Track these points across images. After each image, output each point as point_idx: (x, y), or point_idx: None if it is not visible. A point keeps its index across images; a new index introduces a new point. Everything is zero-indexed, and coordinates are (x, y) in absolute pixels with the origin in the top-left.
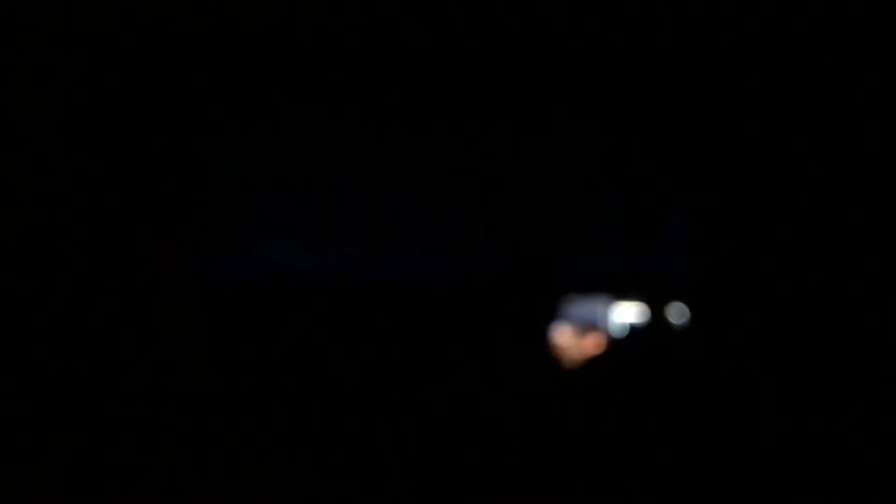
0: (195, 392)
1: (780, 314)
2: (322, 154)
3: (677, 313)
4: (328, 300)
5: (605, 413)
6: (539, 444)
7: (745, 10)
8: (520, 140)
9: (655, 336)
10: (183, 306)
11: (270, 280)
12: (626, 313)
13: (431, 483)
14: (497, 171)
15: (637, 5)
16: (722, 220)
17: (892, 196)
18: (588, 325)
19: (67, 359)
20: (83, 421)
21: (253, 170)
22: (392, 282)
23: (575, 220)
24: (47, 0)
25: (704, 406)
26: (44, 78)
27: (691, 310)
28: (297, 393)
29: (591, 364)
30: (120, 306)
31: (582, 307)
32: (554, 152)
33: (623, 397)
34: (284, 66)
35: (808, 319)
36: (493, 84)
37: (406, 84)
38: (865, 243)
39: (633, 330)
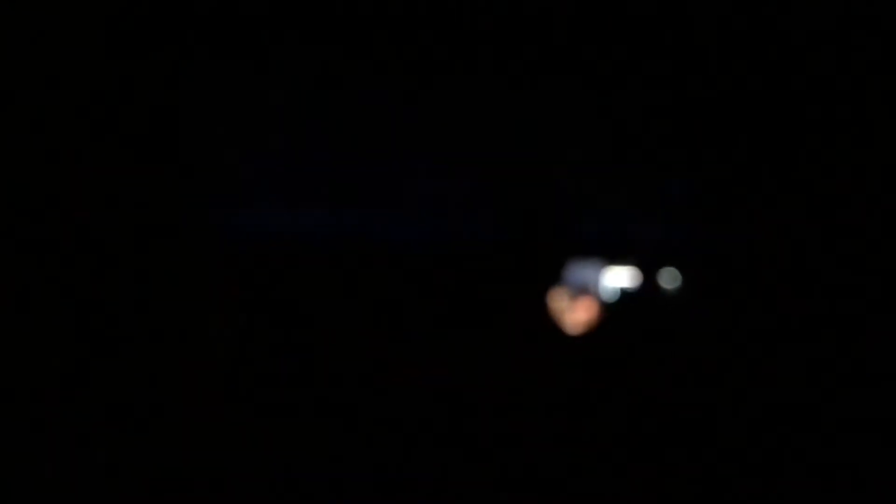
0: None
1: (778, 293)
2: (317, 111)
3: (669, 278)
4: (322, 261)
5: (597, 383)
6: (534, 416)
7: None
8: (515, 99)
9: (646, 302)
10: (182, 264)
11: (262, 240)
12: (618, 278)
13: (424, 450)
14: (492, 130)
15: None
16: (724, 190)
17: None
18: (580, 290)
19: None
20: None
21: (245, 129)
22: (388, 243)
23: (575, 184)
24: None
25: (693, 376)
26: (24, 35)
27: (686, 278)
28: (286, 361)
29: (584, 329)
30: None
31: (574, 271)
32: (550, 112)
33: (615, 365)
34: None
35: (806, 292)
36: (489, 40)
37: (409, 41)
38: (860, 224)
39: (625, 295)
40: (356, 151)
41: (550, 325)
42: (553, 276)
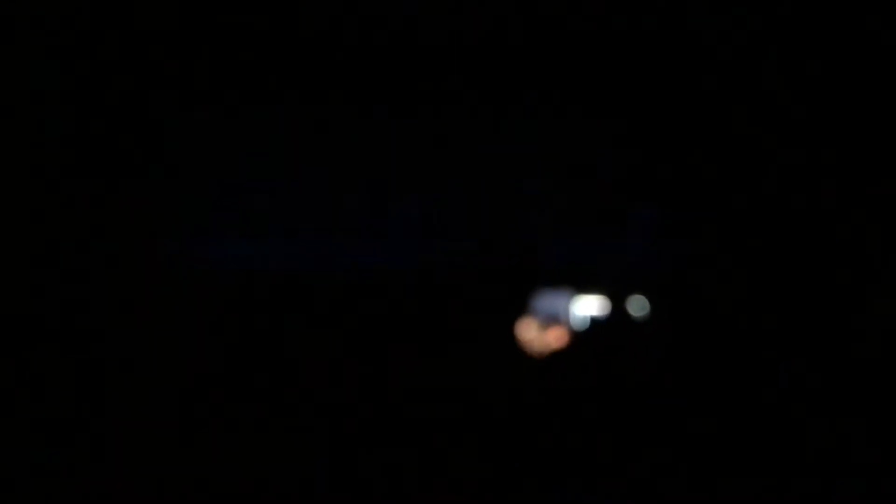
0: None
1: (744, 310)
2: (294, 143)
3: (638, 306)
4: (299, 288)
5: (568, 406)
6: (505, 436)
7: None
8: (486, 128)
9: (616, 329)
10: (157, 294)
11: (240, 268)
12: (588, 306)
13: (399, 469)
14: (465, 159)
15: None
16: (689, 215)
17: (856, 196)
18: (551, 319)
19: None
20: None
21: (224, 158)
22: (363, 270)
23: (544, 211)
24: None
25: (663, 399)
26: (14, 64)
27: (654, 304)
28: (266, 383)
29: (554, 357)
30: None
31: (545, 300)
32: (523, 141)
33: (584, 391)
34: (259, 57)
35: (770, 314)
36: (463, 72)
37: (380, 72)
38: (828, 242)
39: (595, 323)
40: (326, 181)
41: (520, 353)
42: (522, 305)
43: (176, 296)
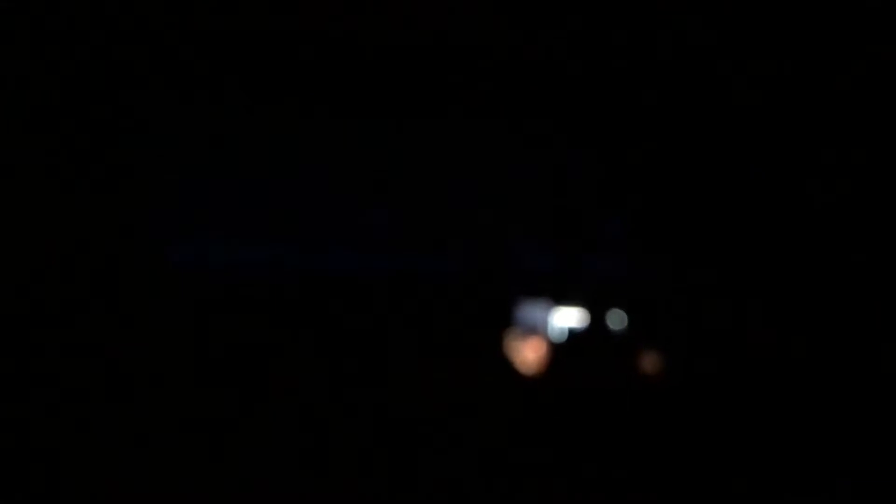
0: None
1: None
2: (266, 148)
3: (616, 319)
4: (266, 295)
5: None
6: (481, 452)
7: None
8: (460, 141)
9: (595, 341)
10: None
11: (206, 272)
12: (566, 318)
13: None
14: (439, 171)
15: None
16: (659, 225)
17: (834, 200)
18: (528, 330)
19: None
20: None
21: (193, 161)
22: (332, 278)
23: (516, 223)
24: None
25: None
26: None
27: (630, 315)
28: (232, 391)
29: (532, 369)
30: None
31: (522, 312)
32: (496, 155)
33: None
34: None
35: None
36: (432, 83)
37: (353, 79)
38: (807, 248)
39: (573, 335)
40: (304, 187)
41: (502, 364)
42: (504, 316)
43: (152, 297)
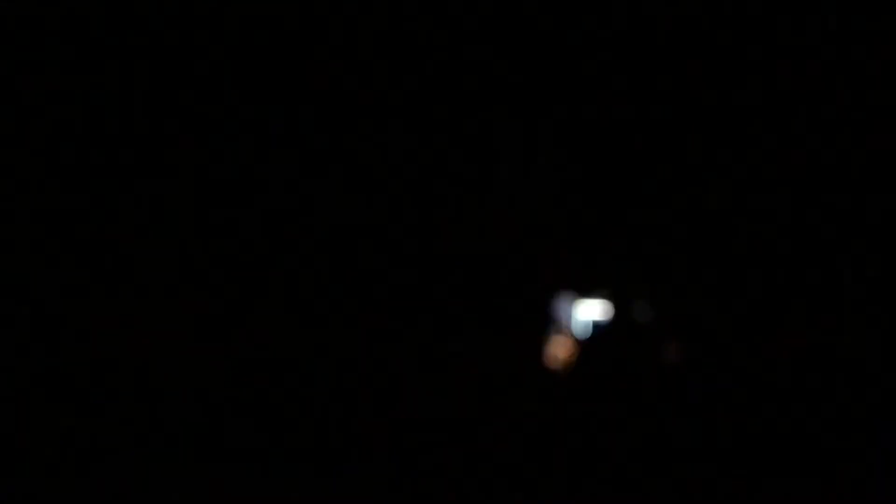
0: None
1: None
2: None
3: (642, 311)
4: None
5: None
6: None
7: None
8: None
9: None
10: None
11: None
12: (591, 311)
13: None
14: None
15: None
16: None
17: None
18: (554, 324)
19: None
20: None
21: None
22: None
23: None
24: None
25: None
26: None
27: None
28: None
29: (559, 361)
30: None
31: (549, 306)
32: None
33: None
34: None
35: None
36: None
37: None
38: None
39: (597, 328)
40: None
41: (528, 357)
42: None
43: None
